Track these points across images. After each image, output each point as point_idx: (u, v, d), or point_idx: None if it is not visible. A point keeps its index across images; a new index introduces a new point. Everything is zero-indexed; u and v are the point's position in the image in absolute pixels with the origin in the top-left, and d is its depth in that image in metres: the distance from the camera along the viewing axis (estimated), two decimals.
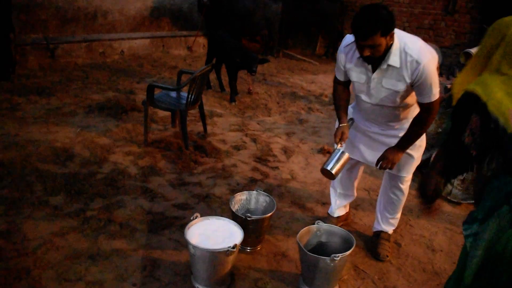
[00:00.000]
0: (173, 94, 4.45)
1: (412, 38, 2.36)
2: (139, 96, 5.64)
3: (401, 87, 2.39)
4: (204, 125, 4.72)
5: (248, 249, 2.83)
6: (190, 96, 4.08)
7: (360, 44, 2.26)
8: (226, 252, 2.29)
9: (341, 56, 2.58)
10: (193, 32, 8.98)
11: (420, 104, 2.44)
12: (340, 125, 2.66)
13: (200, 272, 2.40)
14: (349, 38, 2.52)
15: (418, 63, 2.27)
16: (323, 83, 7.67)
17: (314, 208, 3.49)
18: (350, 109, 2.86)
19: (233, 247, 2.29)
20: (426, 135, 4.77)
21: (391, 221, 3.00)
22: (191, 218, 2.53)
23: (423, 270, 2.87)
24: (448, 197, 3.82)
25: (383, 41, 2.22)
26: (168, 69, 7.38)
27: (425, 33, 9.99)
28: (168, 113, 5.04)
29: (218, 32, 6.09)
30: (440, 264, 2.94)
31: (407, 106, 2.56)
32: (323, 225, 2.65)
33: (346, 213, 3.26)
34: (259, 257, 2.82)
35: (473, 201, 3.72)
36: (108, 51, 7.63)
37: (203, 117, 4.68)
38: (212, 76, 6.52)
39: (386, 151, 2.58)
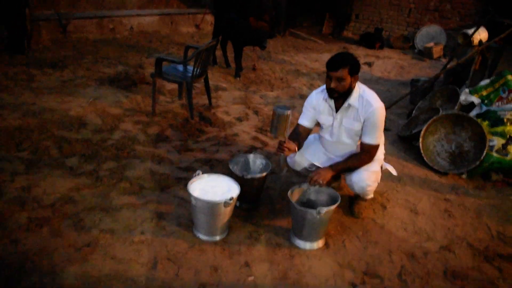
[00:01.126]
0: (180, 67, 4.70)
1: (369, 89, 2.91)
2: (148, 70, 5.90)
3: (357, 127, 2.90)
4: (209, 97, 4.99)
5: (245, 206, 3.12)
6: (195, 69, 4.33)
7: (330, 75, 2.75)
8: (224, 204, 2.58)
9: (313, 100, 3.03)
10: (201, 9, 9.17)
11: (362, 145, 2.92)
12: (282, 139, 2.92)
13: (201, 222, 2.70)
14: (316, 91, 3.07)
15: (371, 105, 2.80)
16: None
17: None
18: (311, 138, 3.28)
19: (230, 199, 2.58)
20: (419, 110, 5.01)
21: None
22: (194, 175, 2.81)
23: (404, 229, 3.14)
24: (436, 168, 4.07)
25: (348, 78, 2.74)
26: (176, 45, 7.62)
27: (430, 15, 10.10)
28: (175, 87, 5.31)
29: (226, 13, 6.28)
30: (421, 225, 3.21)
31: None
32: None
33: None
34: (255, 213, 3.12)
35: (458, 172, 3.98)
36: (118, 27, 7.87)
37: (208, 90, 4.94)
38: (218, 53, 6.75)
39: (319, 168, 2.95)
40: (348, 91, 2.81)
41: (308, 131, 3.13)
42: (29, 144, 3.70)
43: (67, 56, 6.28)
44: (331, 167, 2.91)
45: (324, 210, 2.58)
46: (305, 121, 3.08)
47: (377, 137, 2.87)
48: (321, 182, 2.83)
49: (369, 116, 2.81)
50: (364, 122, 2.86)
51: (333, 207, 2.65)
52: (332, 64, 2.73)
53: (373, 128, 2.83)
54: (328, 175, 2.87)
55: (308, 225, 2.67)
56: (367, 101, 2.81)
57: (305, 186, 2.93)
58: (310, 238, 2.76)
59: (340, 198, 2.75)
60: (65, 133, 3.98)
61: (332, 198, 2.84)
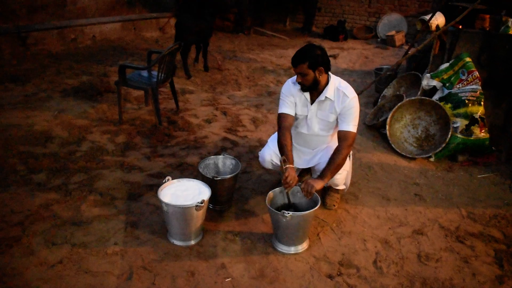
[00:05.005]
0: (145, 73, 4.66)
1: (344, 82, 2.97)
2: (113, 79, 5.81)
3: (332, 118, 2.97)
4: (176, 101, 4.96)
5: (218, 207, 3.12)
6: (160, 74, 4.30)
7: (294, 70, 2.81)
8: (196, 207, 2.58)
9: (290, 89, 3.01)
10: (164, 13, 9.08)
11: (339, 133, 2.91)
12: (289, 165, 2.75)
13: (174, 228, 2.69)
14: (292, 79, 3.03)
15: (347, 97, 2.86)
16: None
17: None
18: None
19: (201, 202, 2.58)
20: (384, 98, 5.11)
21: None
22: (163, 181, 2.79)
23: (377, 217, 3.20)
24: (404, 153, 4.15)
25: (310, 72, 2.78)
26: (141, 51, 7.53)
27: (390, 4, 10.27)
28: (141, 93, 5.26)
29: (191, 17, 6.13)
30: (393, 211, 3.28)
31: (333, 134, 3.11)
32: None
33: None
34: (229, 214, 3.12)
35: (426, 156, 4.07)
36: (79, 37, 7.71)
37: (174, 94, 4.91)
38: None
39: (310, 180, 2.77)
40: (315, 84, 2.84)
41: (292, 119, 3.02)
42: None
43: (28, 69, 6.12)
44: (321, 177, 2.77)
45: (289, 214, 2.54)
46: (287, 109, 2.99)
47: (354, 125, 2.87)
48: (313, 192, 2.73)
49: (345, 106, 2.86)
50: (340, 113, 2.90)
51: (301, 213, 2.61)
52: (292, 61, 2.80)
53: (350, 116, 2.86)
54: (319, 185, 2.73)
55: (283, 228, 2.66)
56: (343, 93, 2.87)
57: (278, 190, 2.91)
58: (287, 242, 2.74)
59: (319, 202, 2.73)
60: (31, 148, 3.89)
61: (313, 201, 2.79)
